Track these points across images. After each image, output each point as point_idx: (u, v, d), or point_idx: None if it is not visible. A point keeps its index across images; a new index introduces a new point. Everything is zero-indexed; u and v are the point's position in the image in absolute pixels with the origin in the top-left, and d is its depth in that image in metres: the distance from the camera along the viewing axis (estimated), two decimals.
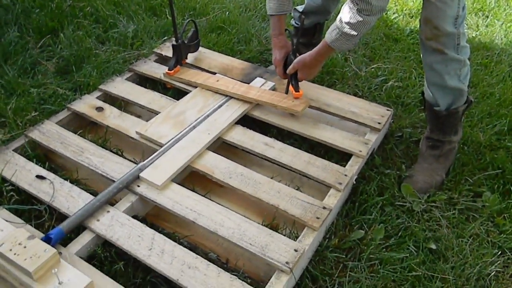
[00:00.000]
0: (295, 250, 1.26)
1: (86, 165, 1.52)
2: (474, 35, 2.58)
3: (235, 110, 1.75)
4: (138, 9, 2.60)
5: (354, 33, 1.47)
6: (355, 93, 2.06)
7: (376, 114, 1.78)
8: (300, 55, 2.16)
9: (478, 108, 2.00)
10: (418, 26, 1.55)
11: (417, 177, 1.64)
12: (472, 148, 1.80)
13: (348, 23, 1.46)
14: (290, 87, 1.83)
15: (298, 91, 1.79)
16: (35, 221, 1.38)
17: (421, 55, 1.60)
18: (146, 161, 1.51)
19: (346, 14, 1.47)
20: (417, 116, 1.95)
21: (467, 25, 2.67)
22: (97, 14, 2.52)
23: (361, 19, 1.44)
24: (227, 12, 2.61)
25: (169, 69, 1.93)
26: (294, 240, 1.32)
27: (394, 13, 2.75)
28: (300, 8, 2.07)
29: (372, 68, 2.24)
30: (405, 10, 2.78)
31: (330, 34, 1.54)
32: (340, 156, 1.67)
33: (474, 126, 1.91)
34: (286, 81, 1.84)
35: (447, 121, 1.65)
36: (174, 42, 1.93)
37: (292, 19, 2.17)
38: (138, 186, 1.45)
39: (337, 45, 1.53)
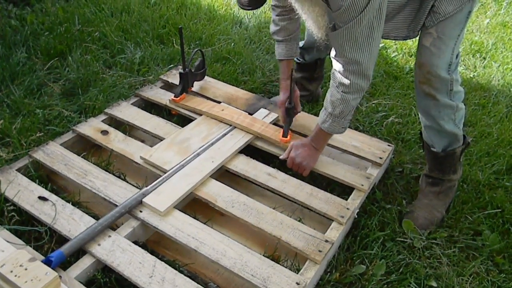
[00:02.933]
0: (297, 283, 1.25)
1: (89, 188, 1.52)
2: (471, 76, 2.66)
3: (239, 139, 1.77)
4: (146, 36, 2.66)
5: (337, 111, 1.50)
6: (356, 127, 2.09)
7: (378, 149, 1.80)
8: (304, 88, 2.22)
9: (476, 147, 2.03)
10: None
11: (418, 213, 1.65)
12: (471, 186, 1.83)
13: (330, 102, 1.51)
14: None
15: (286, 137, 1.74)
16: (34, 243, 1.37)
17: (416, 100, 1.62)
18: (149, 186, 1.51)
19: (328, 92, 1.53)
20: (417, 153, 1.98)
21: (465, 65, 2.75)
22: (105, 39, 2.57)
23: (339, 96, 1.47)
24: (232, 44, 2.67)
25: (175, 96, 1.96)
26: (295, 272, 1.31)
27: (393, 52, 2.83)
28: (300, 43, 2.11)
29: (373, 103, 2.28)
30: (405, 49, 2.86)
31: (320, 116, 1.58)
32: (342, 189, 1.68)
33: (473, 164, 1.94)
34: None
35: (445, 161, 1.67)
36: (181, 70, 1.97)
37: None
38: (141, 211, 1.44)
39: (326, 126, 1.56)
